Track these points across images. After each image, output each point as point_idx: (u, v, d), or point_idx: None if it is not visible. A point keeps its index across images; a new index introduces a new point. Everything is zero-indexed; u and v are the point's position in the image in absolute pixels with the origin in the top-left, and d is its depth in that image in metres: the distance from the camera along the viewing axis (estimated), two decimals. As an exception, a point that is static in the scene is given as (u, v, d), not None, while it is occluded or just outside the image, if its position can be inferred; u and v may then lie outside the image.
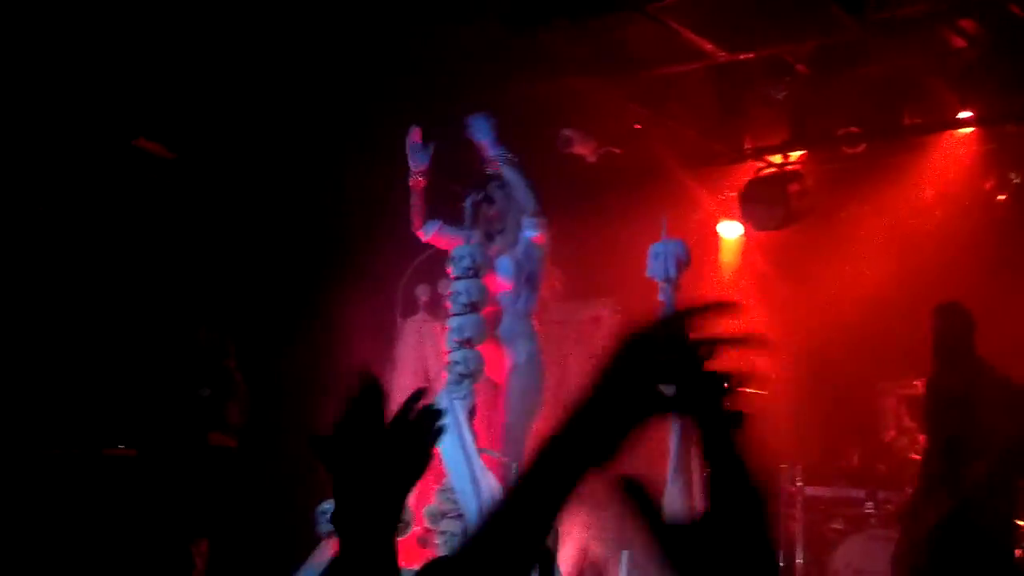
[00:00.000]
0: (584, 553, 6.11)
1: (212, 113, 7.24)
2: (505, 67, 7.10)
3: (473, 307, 5.98)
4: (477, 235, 6.33)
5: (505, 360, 6.18)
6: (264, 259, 7.69)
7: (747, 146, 8.60)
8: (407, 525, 5.63)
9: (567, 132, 8.08)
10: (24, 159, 6.81)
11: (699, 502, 5.98)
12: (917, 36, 7.01)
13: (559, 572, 5.59)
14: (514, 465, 5.80)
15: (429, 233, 6.46)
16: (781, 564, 7.10)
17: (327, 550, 5.74)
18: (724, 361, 1.29)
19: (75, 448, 6.30)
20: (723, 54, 7.12)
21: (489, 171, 6.42)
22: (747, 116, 8.28)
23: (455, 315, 6.02)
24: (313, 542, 5.90)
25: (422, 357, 7.08)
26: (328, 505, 5.76)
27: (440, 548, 5.59)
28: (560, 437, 1.28)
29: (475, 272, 6.02)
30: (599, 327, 8.39)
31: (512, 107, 7.29)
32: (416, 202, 6.44)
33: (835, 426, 7.43)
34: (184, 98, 7.06)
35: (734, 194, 8.64)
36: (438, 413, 1.77)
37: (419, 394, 1.79)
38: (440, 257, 6.49)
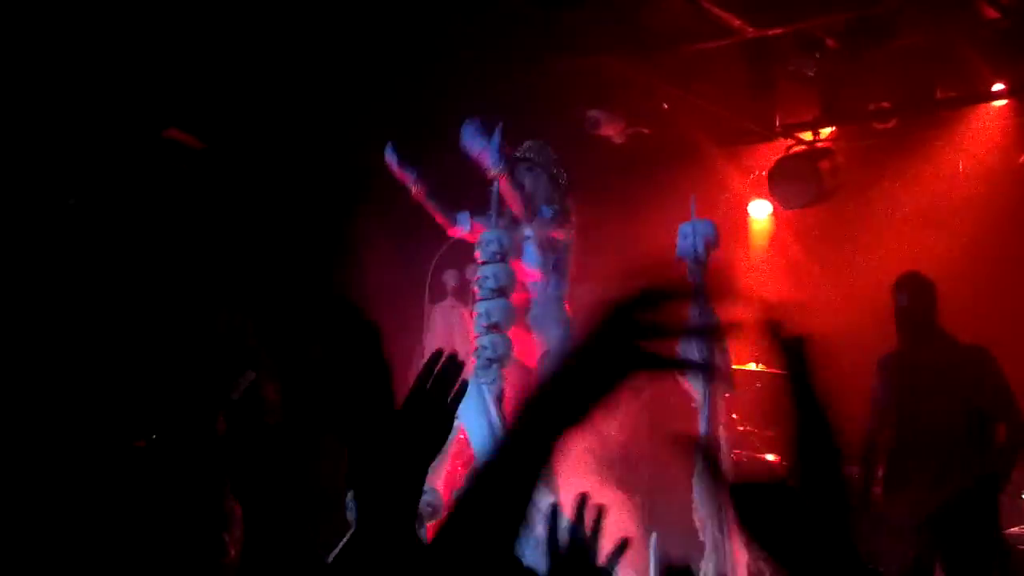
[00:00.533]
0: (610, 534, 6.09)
1: (238, 102, 7.25)
2: (531, 47, 7.05)
3: (501, 292, 5.96)
4: (505, 220, 6.30)
5: (537, 346, 6.17)
6: (285, 243, 7.70)
7: (777, 124, 8.51)
8: (436, 510, 5.63)
9: (594, 113, 8.02)
10: (54, 152, 6.84)
11: (727, 481, 5.96)
12: (949, 7, 6.90)
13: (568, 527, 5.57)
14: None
15: (465, 227, 6.41)
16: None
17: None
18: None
19: (104, 439, 6.34)
20: (752, 30, 7.03)
21: (516, 155, 6.40)
22: (777, 93, 8.19)
23: (483, 300, 6.01)
24: (344, 528, 5.91)
25: (450, 343, 7.08)
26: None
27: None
28: (540, 395, 1.29)
29: (502, 256, 6.00)
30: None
31: (539, 88, 7.26)
32: (430, 208, 6.39)
33: (868, 406, 7.35)
34: (210, 88, 7.07)
35: (764, 173, 8.56)
36: (458, 368, 1.80)
37: (438, 356, 1.82)
38: (467, 242, 6.47)
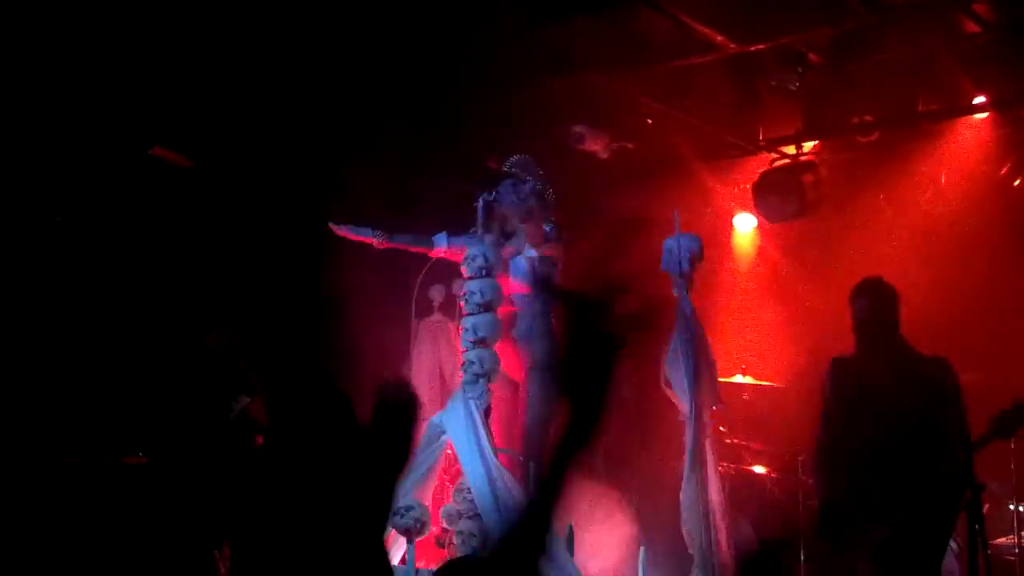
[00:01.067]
0: (600, 548, 6.11)
1: (227, 120, 7.26)
2: (517, 64, 7.09)
3: (487, 306, 5.98)
4: (491, 235, 6.32)
5: (523, 360, 6.19)
6: (274, 262, 7.70)
7: (761, 137, 8.56)
8: (424, 525, 5.63)
9: (579, 128, 8.05)
10: (41, 169, 6.84)
11: (716, 495, 5.97)
12: (930, 22, 6.95)
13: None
14: (532, 464, 5.80)
15: (443, 246, 6.48)
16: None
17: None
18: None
19: (93, 456, 6.33)
20: (734, 45, 7.07)
21: (502, 170, 6.44)
22: (760, 107, 8.24)
23: (469, 315, 6.02)
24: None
25: (437, 357, 7.10)
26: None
27: (457, 548, 5.59)
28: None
29: (488, 271, 6.03)
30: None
31: (524, 104, 7.30)
32: (402, 246, 6.52)
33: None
34: (199, 106, 7.07)
35: (748, 186, 8.61)
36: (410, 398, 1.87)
37: (385, 384, 1.89)
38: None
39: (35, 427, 6.25)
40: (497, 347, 6.00)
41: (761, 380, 8.30)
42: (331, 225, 6.52)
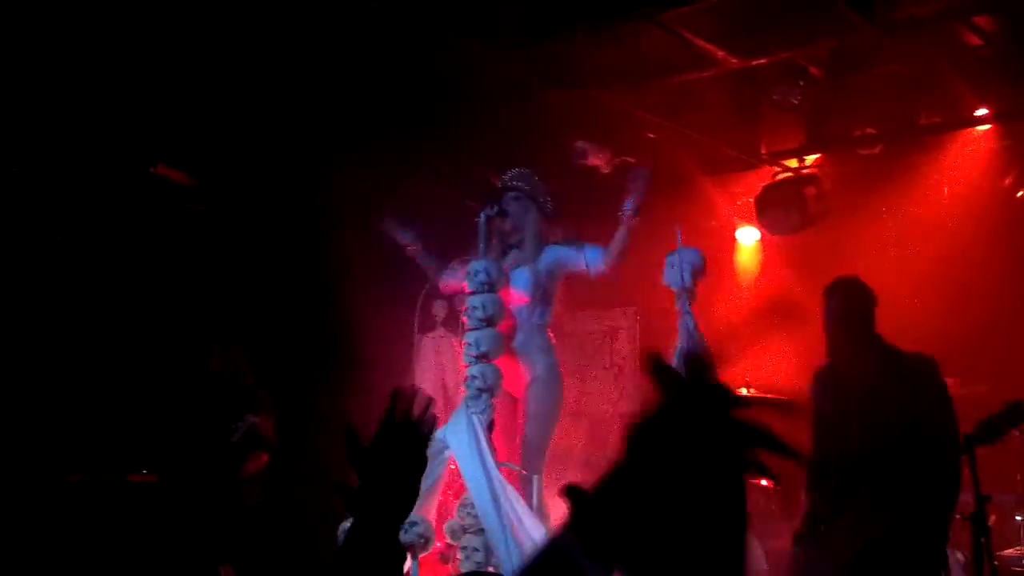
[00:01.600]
0: None
1: (228, 138, 7.28)
2: (519, 79, 7.10)
3: (489, 321, 5.97)
4: (493, 250, 6.32)
5: (523, 374, 6.17)
6: (277, 279, 7.71)
7: (763, 151, 8.57)
8: (428, 541, 5.61)
9: (581, 143, 8.06)
10: (42, 188, 6.85)
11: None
12: (931, 34, 6.95)
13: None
14: (534, 478, 5.79)
15: (447, 281, 6.51)
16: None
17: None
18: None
19: (98, 474, 6.32)
20: (735, 60, 7.09)
21: (502, 183, 6.44)
22: (762, 121, 8.25)
23: (472, 329, 6.01)
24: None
25: (440, 372, 7.09)
26: (348, 524, 5.75)
27: (461, 564, 5.57)
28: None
29: (491, 286, 6.02)
30: (616, 338, 8.39)
31: (526, 119, 7.31)
32: (421, 263, 6.53)
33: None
34: (200, 124, 7.09)
35: (750, 200, 8.61)
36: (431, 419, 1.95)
37: (403, 393, 1.95)
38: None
39: (39, 445, 6.25)
40: (498, 362, 5.99)
41: (764, 394, 8.27)
42: (386, 220, 6.56)
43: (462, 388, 6.02)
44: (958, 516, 5.19)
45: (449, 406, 6.48)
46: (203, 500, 6.42)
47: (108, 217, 7.16)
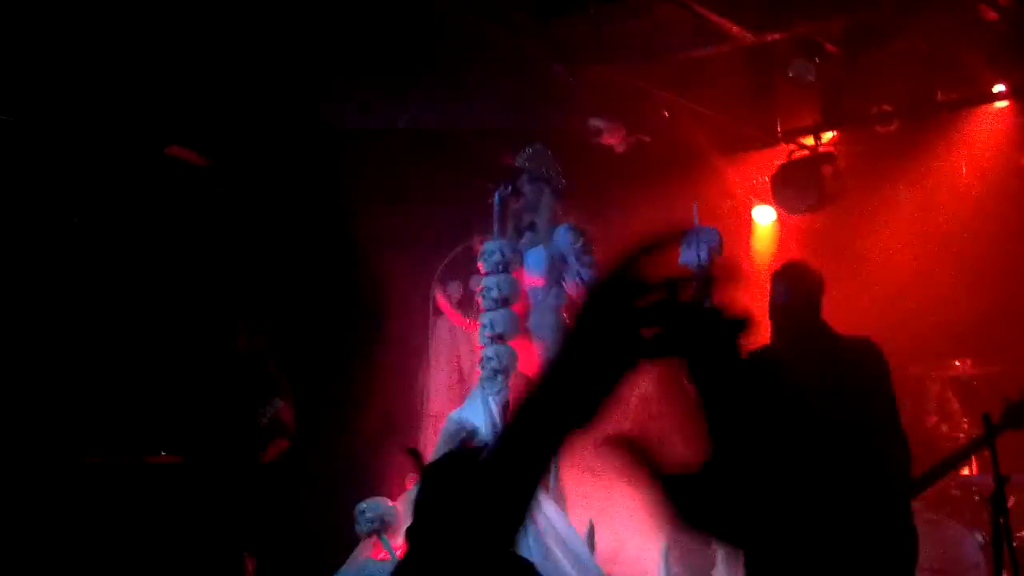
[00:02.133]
0: (621, 544, 6.07)
1: (243, 119, 7.26)
2: (533, 57, 7.06)
3: (504, 302, 5.95)
4: (507, 230, 6.30)
5: (538, 355, 6.15)
6: (298, 262, 7.71)
7: (779, 129, 8.51)
8: (389, 525, 5.64)
9: (595, 122, 8.02)
10: (58, 170, 6.85)
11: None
12: (948, 10, 6.89)
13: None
14: (552, 460, 5.77)
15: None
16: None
17: (367, 549, 5.74)
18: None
19: (120, 456, 6.34)
20: (750, 36, 7.02)
21: (515, 164, 6.41)
22: (778, 99, 8.20)
23: (487, 311, 6.00)
24: (353, 541, 5.90)
25: (455, 354, 7.09)
26: (365, 505, 5.76)
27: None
28: (536, 397, 1.21)
29: (505, 267, 5.99)
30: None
31: (540, 97, 7.27)
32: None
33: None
34: (218, 105, 7.08)
35: (767, 179, 8.56)
36: None
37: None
38: (471, 254, 6.49)
39: (59, 428, 6.27)
40: (513, 343, 5.97)
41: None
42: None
43: (477, 369, 6.01)
44: (977, 498, 5.13)
45: (464, 387, 6.48)
46: (228, 483, 6.44)
47: (125, 199, 7.16)
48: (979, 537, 5.84)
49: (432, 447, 5.99)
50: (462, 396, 5.97)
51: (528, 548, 5.13)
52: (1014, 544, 4.93)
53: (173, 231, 7.30)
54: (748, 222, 9.32)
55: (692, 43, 7.16)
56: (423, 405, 7.05)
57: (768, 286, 5.25)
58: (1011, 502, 4.97)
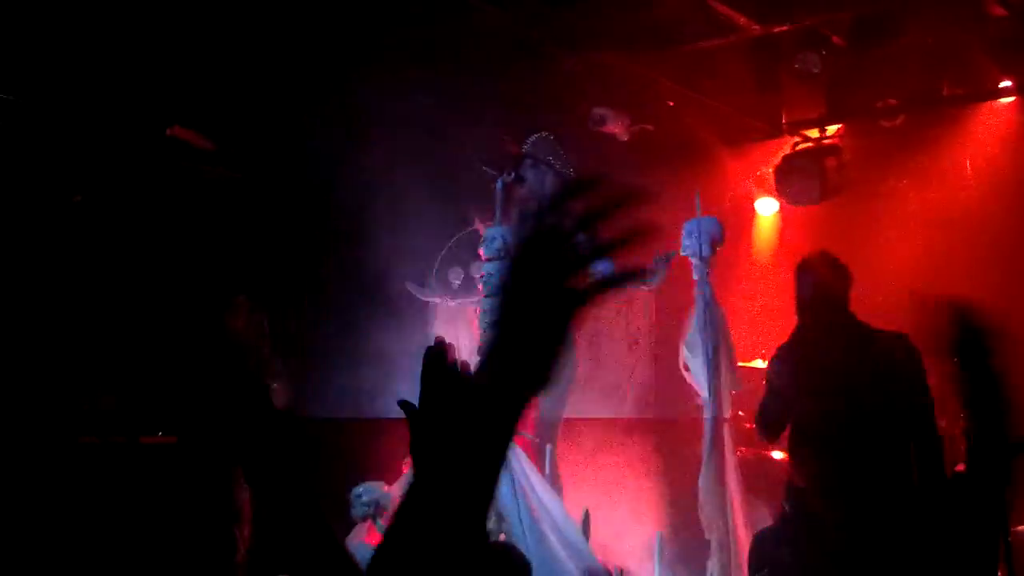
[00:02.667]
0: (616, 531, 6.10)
1: (247, 100, 7.24)
2: (538, 45, 7.04)
3: (505, 288, 5.95)
4: (510, 217, 6.30)
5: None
6: (299, 243, 7.70)
7: (783, 121, 8.49)
8: (382, 508, 5.66)
9: (599, 111, 8.00)
10: (59, 150, 6.84)
11: (733, 480, 5.94)
12: (955, 5, 6.87)
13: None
14: (548, 448, 5.78)
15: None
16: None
17: (362, 533, 5.76)
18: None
19: (114, 436, 6.34)
20: (757, 27, 7.00)
21: (521, 151, 6.41)
22: (783, 90, 8.16)
23: (487, 297, 6.00)
24: (348, 525, 5.92)
25: (455, 339, 7.08)
26: (361, 489, 5.77)
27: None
28: (490, 370, 1.24)
29: (507, 253, 5.99)
30: (632, 306, 8.35)
31: (544, 86, 7.25)
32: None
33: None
34: (219, 86, 7.06)
35: (770, 170, 8.54)
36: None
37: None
38: (473, 240, 6.49)
39: (55, 408, 6.27)
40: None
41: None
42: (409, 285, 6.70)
43: (478, 356, 6.01)
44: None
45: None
46: (223, 465, 6.44)
47: (127, 179, 7.15)
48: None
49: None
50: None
51: (523, 535, 5.14)
52: (1009, 539, 4.91)
53: (174, 211, 7.29)
54: (751, 213, 9.31)
55: (698, 33, 7.14)
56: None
57: (795, 279, 5.25)
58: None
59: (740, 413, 7.44)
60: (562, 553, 5.31)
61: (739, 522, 5.98)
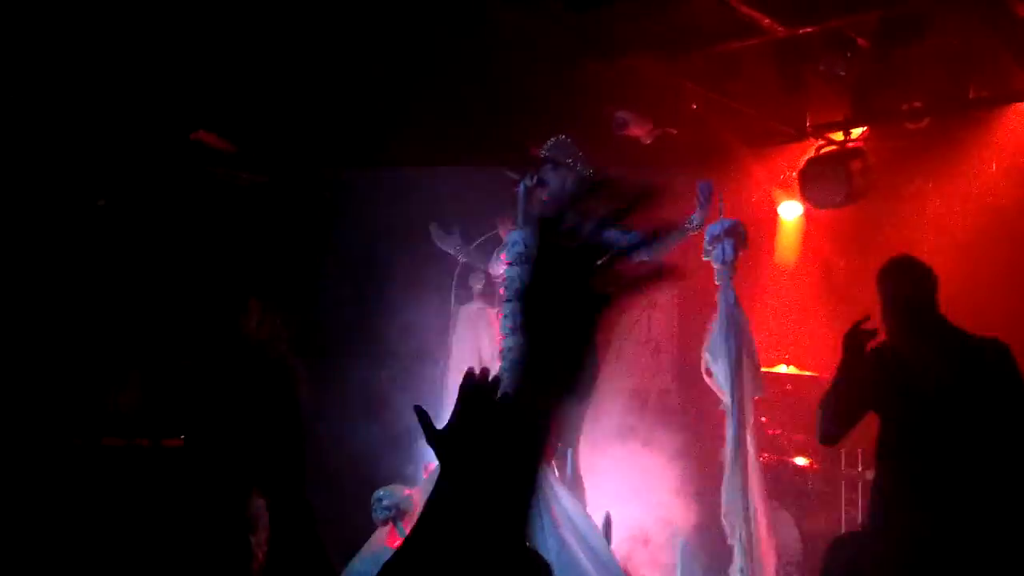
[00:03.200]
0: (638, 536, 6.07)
1: (268, 103, 7.26)
2: (561, 48, 7.03)
3: (526, 293, 5.93)
4: (532, 220, 6.28)
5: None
6: (317, 246, 7.71)
7: (808, 124, 8.43)
8: (405, 512, 5.65)
9: (622, 114, 7.97)
10: (84, 154, 6.88)
11: (757, 486, 5.90)
12: (981, 6, 6.80)
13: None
14: (568, 452, 5.76)
15: (497, 268, 6.53)
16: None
17: (383, 536, 5.75)
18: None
19: (133, 439, 6.36)
20: (782, 29, 6.96)
21: (540, 153, 6.39)
22: (807, 93, 8.10)
23: (509, 301, 5.98)
24: (369, 528, 5.90)
25: (477, 344, 7.07)
26: (383, 492, 5.76)
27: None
28: (523, 382, 1.25)
29: (528, 258, 5.98)
30: (654, 311, 8.32)
31: (567, 89, 7.24)
32: (472, 263, 6.57)
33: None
34: (240, 90, 7.08)
35: (794, 173, 8.49)
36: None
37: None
38: (493, 245, 6.49)
39: (71, 410, 6.29)
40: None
41: (805, 370, 8.20)
42: (433, 229, 6.64)
43: (498, 360, 6.00)
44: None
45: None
46: (237, 468, 6.43)
47: (150, 182, 7.18)
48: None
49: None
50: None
51: (544, 540, 5.11)
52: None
53: (194, 214, 7.31)
54: (774, 216, 9.25)
55: (723, 35, 7.10)
56: (443, 394, 7.05)
57: (880, 282, 5.20)
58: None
59: (763, 419, 7.40)
60: (583, 558, 5.28)
61: (762, 528, 5.94)
